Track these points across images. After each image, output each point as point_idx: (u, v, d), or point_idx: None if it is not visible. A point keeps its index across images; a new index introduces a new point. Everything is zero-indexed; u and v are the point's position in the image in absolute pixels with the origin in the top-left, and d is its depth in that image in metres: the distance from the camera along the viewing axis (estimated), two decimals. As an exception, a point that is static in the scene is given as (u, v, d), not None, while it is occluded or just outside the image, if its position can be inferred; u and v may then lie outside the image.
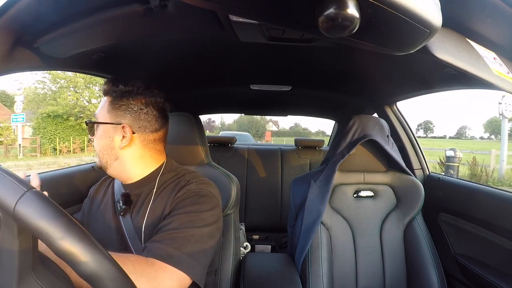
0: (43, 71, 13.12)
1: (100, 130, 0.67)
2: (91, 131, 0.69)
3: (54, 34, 0.60)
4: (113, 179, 0.78)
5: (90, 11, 0.56)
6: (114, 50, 0.83)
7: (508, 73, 0.50)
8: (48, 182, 0.96)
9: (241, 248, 1.58)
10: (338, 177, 1.08)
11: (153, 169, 0.72)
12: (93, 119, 0.70)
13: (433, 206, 1.14)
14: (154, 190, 0.68)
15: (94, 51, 0.79)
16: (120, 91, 0.66)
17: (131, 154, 0.68)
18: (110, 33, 0.67)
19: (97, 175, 1.21)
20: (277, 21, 0.32)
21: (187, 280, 0.54)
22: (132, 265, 0.47)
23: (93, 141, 0.70)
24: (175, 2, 0.54)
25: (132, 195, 0.69)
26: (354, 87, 1.33)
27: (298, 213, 1.08)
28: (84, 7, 0.56)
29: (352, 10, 0.25)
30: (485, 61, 0.47)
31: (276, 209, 1.99)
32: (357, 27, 0.27)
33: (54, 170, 1.06)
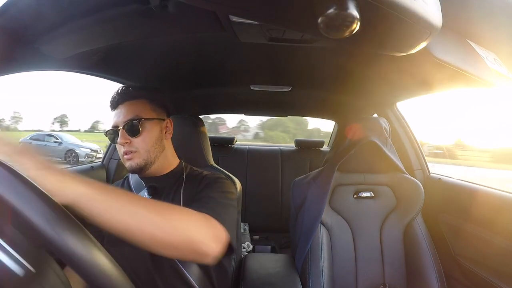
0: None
1: (148, 127, 0.75)
2: (136, 131, 0.73)
3: (54, 34, 0.60)
4: (126, 178, 0.84)
5: (90, 11, 0.56)
6: (114, 50, 0.83)
7: (508, 73, 0.50)
8: None
9: (243, 247, 1.58)
10: (338, 177, 1.08)
11: (178, 162, 0.84)
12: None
13: (433, 207, 1.14)
14: (183, 184, 0.77)
15: (94, 51, 0.79)
16: (159, 94, 0.81)
17: (169, 143, 0.82)
18: (110, 33, 0.67)
19: (97, 175, 1.21)
20: (277, 22, 0.32)
21: (227, 239, 0.57)
22: (193, 215, 0.52)
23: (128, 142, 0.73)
24: (175, 2, 0.54)
25: (160, 187, 0.76)
26: (354, 88, 1.33)
27: (298, 213, 1.08)
28: (84, 7, 0.56)
29: (352, 11, 0.25)
30: (485, 61, 0.47)
31: (276, 209, 1.99)
32: (357, 28, 0.27)
33: None
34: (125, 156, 0.73)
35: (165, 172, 0.80)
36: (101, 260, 0.31)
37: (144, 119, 0.74)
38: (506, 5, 0.45)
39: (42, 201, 0.30)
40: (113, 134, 0.75)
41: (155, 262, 0.68)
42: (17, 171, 0.30)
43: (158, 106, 0.80)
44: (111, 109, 0.77)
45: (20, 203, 0.28)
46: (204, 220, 0.53)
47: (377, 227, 1.05)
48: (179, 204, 0.72)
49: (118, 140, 0.72)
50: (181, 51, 0.92)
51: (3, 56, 0.60)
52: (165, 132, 0.80)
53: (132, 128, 0.72)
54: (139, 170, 0.73)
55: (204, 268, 0.72)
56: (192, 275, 0.69)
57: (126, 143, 0.72)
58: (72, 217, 0.31)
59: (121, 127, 0.72)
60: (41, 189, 0.31)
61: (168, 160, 0.81)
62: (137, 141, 0.73)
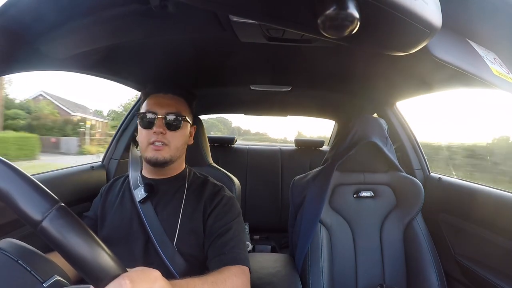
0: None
1: (184, 126, 0.77)
2: (176, 126, 0.74)
3: (54, 34, 0.60)
4: (127, 176, 0.84)
5: (90, 11, 0.56)
6: (114, 50, 0.83)
7: (508, 73, 0.49)
8: (48, 182, 0.96)
9: None
10: (338, 177, 1.08)
11: (184, 167, 0.84)
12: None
13: (433, 206, 1.14)
14: (186, 189, 0.77)
15: (94, 51, 0.79)
16: (195, 101, 0.84)
17: (185, 149, 0.83)
18: (110, 33, 0.67)
19: (97, 175, 1.21)
20: (277, 22, 0.32)
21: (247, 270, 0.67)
22: (236, 277, 0.61)
23: (163, 134, 0.72)
24: (175, 2, 0.54)
25: (158, 187, 0.76)
26: (354, 88, 1.33)
27: (298, 213, 1.08)
28: (84, 7, 0.56)
29: (352, 10, 0.25)
30: (485, 61, 0.47)
31: (276, 209, 1.99)
32: (357, 28, 0.27)
33: (54, 170, 1.06)
34: (153, 145, 0.72)
35: (172, 175, 0.80)
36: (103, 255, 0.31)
37: (185, 118, 0.76)
38: (506, 5, 0.45)
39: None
40: (148, 119, 0.72)
41: (146, 260, 0.69)
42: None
43: (191, 111, 0.83)
44: (149, 93, 0.78)
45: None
46: (243, 276, 0.63)
47: (377, 226, 1.05)
48: (179, 213, 0.73)
49: (155, 128, 0.71)
50: (181, 51, 0.92)
51: (3, 56, 0.60)
52: (190, 137, 0.83)
53: (173, 122, 0.73)
54: (162, 164, 0.73)
55: (193, 267, 0.71)
56: (177, 270, 0.68)
57: (162, 133, 0.72)
58: (75, 215, 0.31)
59: (161, 116, 0.72)
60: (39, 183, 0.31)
61: (180, 165, 0.82)
62: (172, 136, 0.73)
